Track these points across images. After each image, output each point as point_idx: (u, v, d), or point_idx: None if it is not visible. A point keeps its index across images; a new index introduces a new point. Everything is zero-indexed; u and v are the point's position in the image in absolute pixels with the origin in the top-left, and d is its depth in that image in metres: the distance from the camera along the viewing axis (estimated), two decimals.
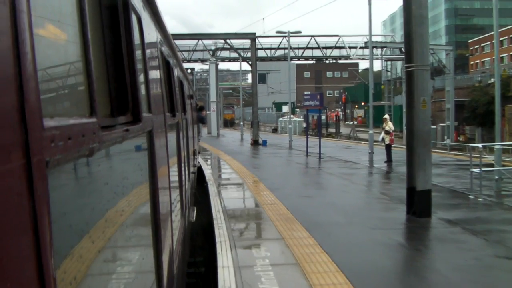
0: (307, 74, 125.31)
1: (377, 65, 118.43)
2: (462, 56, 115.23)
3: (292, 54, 50.93)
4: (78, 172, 1.70)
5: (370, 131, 26.23)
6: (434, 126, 47.53)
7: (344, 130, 63.65)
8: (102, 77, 2.21)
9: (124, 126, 2.37)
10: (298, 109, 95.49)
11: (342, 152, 31.68)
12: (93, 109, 1.79)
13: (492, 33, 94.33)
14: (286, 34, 36.45)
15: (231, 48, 48.79)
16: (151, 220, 3.21)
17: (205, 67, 58.05)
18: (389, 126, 25.13)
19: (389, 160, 24.75)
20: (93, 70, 1.81)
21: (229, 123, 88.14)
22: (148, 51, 3.46)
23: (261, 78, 75.53)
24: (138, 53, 2.85)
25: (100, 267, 1.94)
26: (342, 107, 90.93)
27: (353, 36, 53.04)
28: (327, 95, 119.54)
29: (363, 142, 42.18)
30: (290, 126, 36.73)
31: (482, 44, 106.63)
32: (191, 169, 11.80)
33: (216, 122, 50.14)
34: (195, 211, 11.01)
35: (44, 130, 1.26)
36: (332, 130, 63.24)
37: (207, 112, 52.35)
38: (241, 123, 48.49)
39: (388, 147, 24.95)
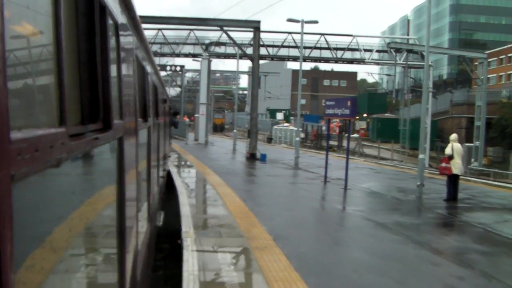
0: (303, 81, 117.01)
1: (377, 71, 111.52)
2: (464, 71, 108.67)
3: (297, 53, 43.53)
4: (44, 184, 1.66)
5: (422, 155, 18.22)
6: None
7: (346, 143, 55.61)
8: (74, 85, 2.16)
9: (94, 134, 2.34)
10: (292, 117, 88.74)
11: (369, 178, 23.56)
12: (63, 119, 1.75)
13: (498, 49, 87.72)
14: (299, 22, 28.30)
15: (228, 43, 41.11)
16: (116, 227, 3.15)
17: (196, 65, 50.09)
18: (449, 148, 17.14)
19: (449, 198, 16.83)
20: (65, 78, 1.77)
21: (218, 128, 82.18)
22: (123, 57, 3.41)
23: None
24: (113, 59, 2.85)
25: (62, 276, 1.90)
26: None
27: (369, 37, 45.22)
28: (323, 104, 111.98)
29: (386, 164, 34.10)
30: (297, 139, 28.65)
31: (489, 60, 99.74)
32: (161, 173, 11.63)
33: (205, 128, 42.57)
34: (162, 215, 10.56)
35: (11, 143, 1.24)
36: (334, 142, 55.21)
37: (196, 115, 46.62)
38: (234, 131, 40.39)
39: (449, 179, 16.99)
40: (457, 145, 17.04)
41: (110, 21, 2.81)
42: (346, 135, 61.06)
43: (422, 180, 17.71)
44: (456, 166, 16.94)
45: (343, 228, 12.58)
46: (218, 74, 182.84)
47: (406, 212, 15.21)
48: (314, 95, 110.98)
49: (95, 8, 2.41)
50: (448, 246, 11.29)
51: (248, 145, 30.21)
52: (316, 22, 28.92)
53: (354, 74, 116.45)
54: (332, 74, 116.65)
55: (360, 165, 29.44)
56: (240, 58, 40.02)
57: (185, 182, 18.34)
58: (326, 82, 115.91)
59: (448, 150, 17.04)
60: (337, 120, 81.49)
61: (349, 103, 18.97)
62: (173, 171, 20.85)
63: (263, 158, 28.67)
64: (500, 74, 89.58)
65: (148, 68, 6.75)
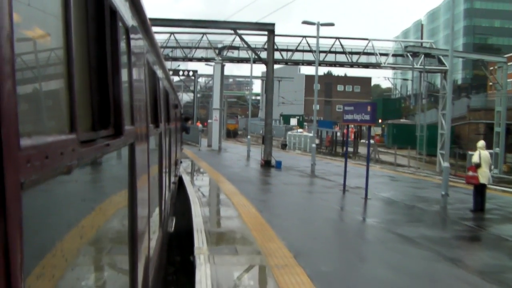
0: (315, 87, 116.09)
1: (391, 76, 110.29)
2: (479, 76, 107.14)
3: (311, 58, 42.63)
4: (54, 191, 1.64)
5: (445, 164, 17.28)
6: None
7: (362, 149, 54.53)
8: (84, 90, 2.14)
9: (105, 140, 2.33)
10: (306, 123, 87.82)
11: (388, 186, 22.62)
12: (73, 125, 1.75)
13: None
14: (315, 24, 27.46)
15: (241, 47, 40.28)
16: (128, 234, 3.13)
17: (209, 70, 49.48)
18: (476, 156, 16.19)
19: (476, 209, 15.89)
20: (76, 84, 1.77)
21: (232, 134, 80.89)
22: (134, 62, 3.39)
23: None
24: (123, 64, 2.85)
25: (73, 284, 1.88)
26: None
27: (384, 41, 44.17)
28: (337, 110, 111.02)
29: (403, 171, 33.10)
30: (313, 145, 27.82)
31: (491, 68, 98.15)
32: (172, 179, 11.43)
33: (218, 134, 41.62)
34: (173, 221, 10.22)
35: (21, 151, 1.24)
36: (349, 149, 54.16)
37: (209, 120, 45.70)
38: (248, 137, 39.47)
39: (476, 188, 16.04)
40: (485, 153, 16.10)
41: (121, 26, 2.80)
42: (362, 141, 60.44)
43: (447, 190, 16.77)
44: (484, 175, 16.00)
45: (367, 242, 11.68)
46: (231, 80, 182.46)
47: (432, 224, 14.29)
48: (328, 101, 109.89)
49: (106, 12, 2.39)
50: (483, 263, 10.37)
51: (263, 151, 29.27)
52: (332, 24, 28.12)
53: (368, 79, 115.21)
54: (345, 80, 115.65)
55: (377, 172, 28.44)
56: (254, 62, 39.25)
57: (198, 191, 17.55)
58: (339, 88, 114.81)
59: (475, 158, 16.10)
60: (352, 125, 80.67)
61: (369, 109, 18.09)
62: (186, 179, 20.19)
63: (278, 165, 27.81)
64: None
65: (159, 73, 6.68)
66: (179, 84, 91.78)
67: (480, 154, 15.97)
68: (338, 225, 13.74)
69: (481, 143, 16.56)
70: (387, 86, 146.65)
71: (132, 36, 3.30)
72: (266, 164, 28.44)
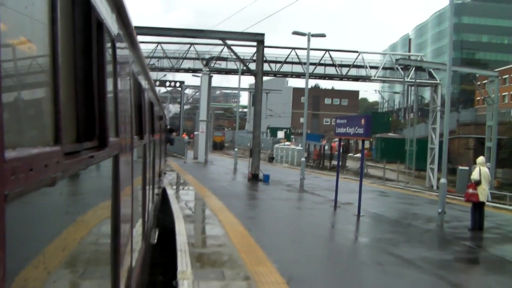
0: (303, 99, 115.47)
1: (386, 92, 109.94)
2: (466, 91, 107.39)
3: (300, 70, 42.06)
4: (38, 203, 1.65)
5: (443, 180, 16.53)
6: (467, 168, 38.31)
7: (350, 163, 53.97)
8: (70, 102, 2.16)
9: (89, 152, 2.34)
10: (293, 136, 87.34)
11: (380, 202, 21.84)
12: (58, 137, 1.76)
13: (501, 68, 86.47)
14: (306, 35, 26.75)
15: (229, 58, 39.78)
16: (111, 245, 3.15)
17: (196, 81, 48.81)
18: (476, 173, 15.46)
19: (475, 227, 15.15)
20: (61, 95, 1.77)
21: (218, 146, 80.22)
22: (119, 73, 3.41)
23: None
24: (109, 75, 2.87)
25: None
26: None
27: (374, 54, 43.80)
28: (324, 123, 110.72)
29: (394, 186, 32.37)
30: (303, 159, 26.98)
31: (484, 81, 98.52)
32: (156, 190, 11.27)
33: (204, 146, 40.84)
34: (156, 233, 10.27)
35: (5, 163, 1.25)
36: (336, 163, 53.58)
37: (195, 132, 45.22)
38: (235, 149, 38.52)
39: (474, 206, 15.30)
40: (485, 170, 15.39)
41: (107, 37, 2.84)
42: (349, 154, 59.78)
43: (444, 207, 16.00)
44: (483, 193, 15.30)
45: (364, 265, 10.81)
46: (218, 92, 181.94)
47: (431, 244, 13.50)
48: (315, 114, 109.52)
49: (92, 24, 2.39)
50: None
51: (250, 165, 28.46)
52: (323, 35, 27.43)
53: (356, 93, 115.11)
54: (333, 93, 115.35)
55: (367, 187, 27.55)
56: (242, 73, 38.60)
57: (182, 206, 16.62)
58: (327, 101, 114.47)
59: (475, 175, 15.36)
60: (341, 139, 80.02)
61: (362, 122, 17.33)
62: (170, 193, 19.32)
63: (266, 179, 26.99)
64: (504, 94, 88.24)
65: (144, 84, 6.72)
66: (166, 95, 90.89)
67: (480, 170, 15.24)
68: (332, 245, 12.87)
69: (481, 159, 15.87)
70: (374, 99, 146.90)
71: (118, 47, 3.32)
72: (254, 178, 27.63)
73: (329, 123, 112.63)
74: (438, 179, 41.21)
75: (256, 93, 29.49)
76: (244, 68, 35.72)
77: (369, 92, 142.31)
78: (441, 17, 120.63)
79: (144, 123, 6.43)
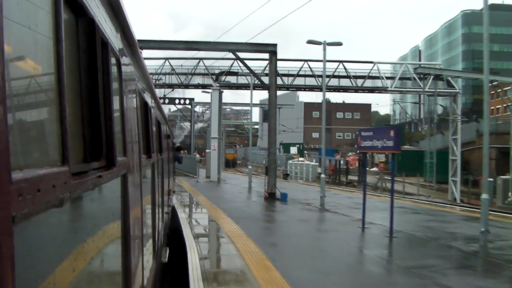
0: (315, 114, 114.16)
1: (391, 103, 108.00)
2: (479, 101, 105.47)
3: (314, 82, 40.68)
4: (46, 224, 1.65)
5: (484, 195, 14.73)
6: (491, 179, 36.45)
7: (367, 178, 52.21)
8: (76, 122, 2.21)
9: (97, 172, 2.36)
10: (306, 152, 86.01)
11: (410, 220, 20.01)
12: (65, 157, 1.77)
13: None
14: (321, 44, 25.14)
15: (240, 72, 38.32)
16: (122, 265, 3.19)
17: (206, 98, 47.56)
18: None
19: None
20: (67, 115, 1.80)
21: (231, 164, 79.99)
22: (125, 93, 3.47)
23: (267, 116, 65.33)
24: (115, 95, 2.92)
25: None
26: (358, 151, 79.78)
27: (390, 64, 42.25)
28: (337, 138, 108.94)
29: (419, 201, 30.50)
30: (323, 176, 25.22)
31: (505, 88, 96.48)
32: (165, 209, 11.52)
33: (217, 164, 39.45)
34: (167, 252, 10.19)
35: (12, 184, 1.25)
36: (353, 177, 51.99)
37: (207, 150, 45.33)
38: (249, 167, 37.13)
39: None
40: None
41: (112, 57, 2.87)
42: (367, 169, 57.90)
43: (487, 225, 14.19)
44: None
45: None
46: (228, 109, 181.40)
47: (483, 270, 11.68)
48: (327, 128, 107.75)
49: (97, 44, 2.39)
50: None
51: (266, 183, 26.88)
52: (339, 44, 25.85)
53: (368, 106, 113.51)
54: (344, 107, 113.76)
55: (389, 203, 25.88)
56: (255, 88, 37.19)
57: (195, 232, 14.97)
58: (339, 115, 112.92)
59: None
60: (354, 153, 78.40)
61: (392, 134, 15.60)
62: (182, 217, 17.89)
63: (284, 198, 25.34)
64: None
65: (151, 103, 6.77)
66: (176, 114, 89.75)
67: None
68: (369, 276, 11.06)
69: None
70: (385, 112, 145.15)
71: (123, 67, 3.38)
72: (271, 197, 26.07)
73: (341, 137, 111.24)
74: (461, 191, 39.65)
75: (270, 107, 27.95)
76: (256, 81, 34.30)
77: (381, 105, 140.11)
78: (451, 28, 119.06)
79: (152, 141, 6.37)
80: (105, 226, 2.71)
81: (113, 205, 3.06)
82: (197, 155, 46.83)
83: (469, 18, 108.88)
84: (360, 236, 15.82)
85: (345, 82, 41.30)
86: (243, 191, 31.46)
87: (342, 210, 21.72)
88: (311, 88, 41.28)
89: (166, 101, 52.95)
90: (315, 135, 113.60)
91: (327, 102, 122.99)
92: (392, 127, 17.87)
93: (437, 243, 14.65)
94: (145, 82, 5.87)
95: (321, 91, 41.34)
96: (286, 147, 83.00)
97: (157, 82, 39.14)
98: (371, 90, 40.09)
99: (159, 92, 42.58)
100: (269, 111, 28.29)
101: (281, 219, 19.99)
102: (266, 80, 30.34)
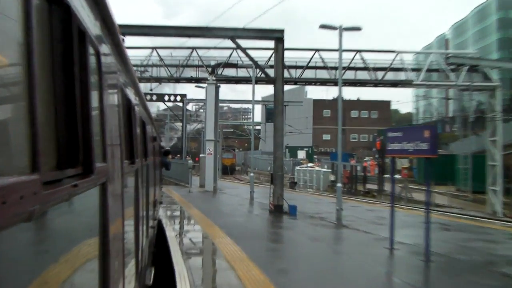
0: (326, 113, 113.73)
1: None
2: None
3: (325, 75, 39.82)
4: (14, 241, 1.66)
5: None
6: None
7: (387, 186, 51.15)
8: (49, 123, 2.20)
9: (72, 181, 2.38)
10: (315, 156, 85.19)
11: (448, 239, 18.99)
12: (35, 164, 1.78)
13: None
14: (336, 29, 24.17)
15: (239, 64, 37.55)
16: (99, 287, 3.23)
17: (200, 94, 46.75)
18: None
19: None
20: (38, 116, 1.81)
21: (228, 170, 79.81)
22: (106, 90, 3.51)
23: (270, 115, 65.22)
24: (94, 92, 2.96)
25: None
26: (377, 156, 79.04)
27: (414, 53, 41.44)
28: (351, 140, 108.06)
29: (447, 212, 29.45)
30: (339, 185, 24.17)
31: None
32: (151, 223, 11.45)
33: (213, 171, 38.96)
34: (152, 273, 10.44)
35: None
36: (372, 186, 50.97)
37: (201, 155, 45.44)
38: (251, 174, 36.30)
39: None
40: None
41: (91, 48, 2.91)
42: (384, 176, 56.94)
43: None
44: None
45: None
46: (225, 108, 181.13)
47: None
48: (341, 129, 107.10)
49: (73, 34, 2.43)
50: None
51: (272, 193, 26.19)
52: (358, 29, 24.91)
53: (386, 104, 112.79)
54: (360, 104, 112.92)
55: (418, 217, 24.94)
56: (257, 82, 36.30)
57: (187, 255, 14.02)
58: (354, 113, 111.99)
59: None
60: (371, 157, 77.43)
61: (427, 134, 14.59)
62: (171, 236, 17.24)
63: (293, 211, 24.53)
64: None
65: (135, 100, 6.84)
66: (165, 113, 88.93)
67: None
68: None
69: None
70: (406, 110, 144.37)
71: (103, 59, 3.41)
72: (277, 210, 25.28)
73: (356, 139, 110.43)
74: (504, 203, 38.49)
75: (276, 104, 27.03)
76: (259, 74, 33.48)
77: (401, 102, 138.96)
78: (484, 12, 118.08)
79: (135, 145, 6.43)
80: (80, 244, 2.72)
81: (90, 219, 3.09)
82: (190, 161, 45.97)
83: (505, 0, 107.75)
84: (388, 259, 14.88)
85: (362, 75, 40.41)
86: (244, 203, 30.80)
87: (362, 226, 20.85)
88: (323, 82, 40.38)
89: (154, 97, 52.33)
90: (326, 137, 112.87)
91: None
92: (427, 126, 16.91)
93: (488, 269, 13.64)
94: (128, 76, 5.93)
95: (334, 85, 40.68)
96: (293, 151, 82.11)
97: (142, 75, 38.38)
98: (394, 84, 39.13)
99: (144, 87, 42.43)
100: (274, 109, 27.40)
101: (291, 237, 19.08)
102: (271, 73, 29.42)
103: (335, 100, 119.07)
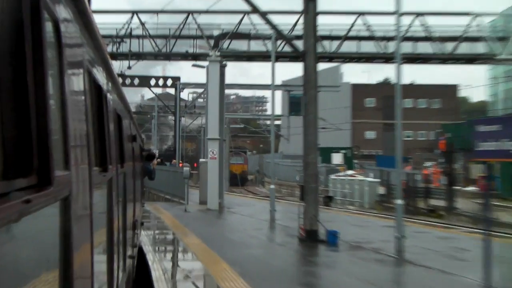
0: (369, 102, 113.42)
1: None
2: None
3: (372, 48, 39.31)
4: None
5: None
6: None
7: (460, 202, 50.41)
8: None
9: (24, 195, 2.42)
10: (356, 161, 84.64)
11: None
12: None
13: None
14: None
15: (252, 33, 36.73)
16: None
17: (199, 76, 46.47)
18: None
19: None
20: None
21: (239, 180, 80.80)
22: (67, 71, 3.55)
23: (295, 106, 65.04)
24: (51, 74, 3.01)
25: None
26: (441, 160, 78.54)
27: (495, 16, 40.52)
28: (405, 138, 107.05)
29: None
30: (399, 202, 23.05)
31: None
32: (129, 251, 11.81)
33: (217, 182, 39.06)
34: None
35: None
36: (437, 201, 50.11)
37: (201, 160, 47.20)
38: (271, 186, 36.19)
39: None
40: None
41: (46, 15, 2.91)
42: (457, 188, 56.10)
43: None
44: None
45: None
46: (233, 96, 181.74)
47: None
48: (389, 124, 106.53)
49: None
50: None
51: (302, 213, 25.62)
52: None
53: (452, 89, 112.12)
54: (415, 90, 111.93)
55: None
56: (278, 58, 35.49)
57: None
58: (407, 103, 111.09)
59: None
60: (433, 162, 76.50)
61: None
62: (157, 276, 16.95)
63: (333, 239, 23.81)
64: None
65: (107, 88, 7.01)
66: (151, 103, 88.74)
67: None
68: None
69: None
70: (479, 99, 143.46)
71: (63, 29, 3.42)
72: (310, 237, 24.65)
73: (411, 137, 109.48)
74: None
75: (307, 87, 26.21)
76: (282, 47, 32.58)
77: (472, 86, 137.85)
78: None
79: (108, 146, 6.58)
80: (34, 280, 2.70)
81: (47, 247, 3.07)
82: (186, 168, 45.36)
83: None
84: None
85: (424, 48, 39.70)
86: (262, 227, 30.95)
87: (436, 262, 20.10)
88: (369, 58, 40.18)
89: (135, 82, 52.21)
90: (370, 134, 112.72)
91: (386, 83, 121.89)
92: None
93: None
94: (98, 52, 5.98)
95: (385, 61, 40.37)
96: (326, 153, 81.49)
97: (118, 50, 38.05)
98: (470, 59, 38.74)
99: (121, 67, 42.40)
100: (304, 95, 26.68)
101: (334, 280, 18.33)
102: (297, 46, 28.57)
103: (381, 85, 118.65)
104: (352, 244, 24.06)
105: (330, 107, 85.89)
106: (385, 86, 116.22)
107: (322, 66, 53.58)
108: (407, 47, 39.09)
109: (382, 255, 21.72)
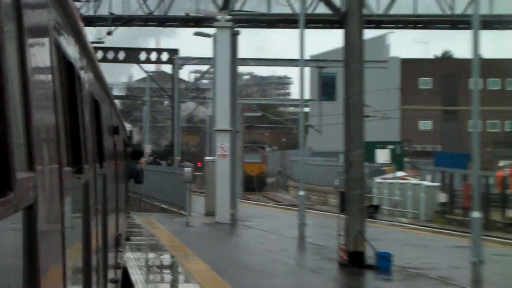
0: (424, 83, 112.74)
1: None
2: None
3: (436, 9, 38.52)
4: None
5: None
6: None
7: None
8: None
9: None
10: (407, 159, 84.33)
11: None
12: None
13: None
14: None
15: None
16: None
17: (204, 49, 46.46)
18: None
19: None
20: None
21: (255, 183, 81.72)
22: (27, 42, 3.53)
23: (328, 88, 65.37)
24: (8, 46, 3.00)
25: None
26: None
27: None
28: (470, 130, 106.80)
29: None
30: (476, 214, 22.67)
31: None
32: (111, 274, 12.27)
33: (229, 186, 39.22)
34: None
35: None
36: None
37: (207, 158, 48.37)
38: (300, 192, 35.77)
39: None
40: None
41: None
42: None
43: None
44: None
45: None
46: (247, 76, 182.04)
47: None
48: (450, 111, 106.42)
49: None
50: None
51: (344, 229, 25.40)
52: None
53: None
54: (484, 67, 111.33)
55: None
56: (309, 24, 34.95)
57: None
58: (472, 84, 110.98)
59: None
60: (510, 162, 75.84)
61: None
62: None
63: (384, 264, 23.71)
64: None
65: (80, 64, 7.09)
66: (142, 86, 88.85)
67: None
68: None
69: None
70: None
71: None
72: (354, 261, 24.58)
73: (481, 129, 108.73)
74: None
75: (350, 60, 26.14)
76: (314, 7, 31.86)
77: None
78: None
79: (83, 141, 6.67)
80: None
81: (7, 269, 2.95)
82: (188, 168, 44.72)
83: None
84: None
85: (501, 8, 39.27)
86: (289, 247, 31.17)
87: None
88: (430, 22, 38.85)
89: (120, 56, 52.21)
90: (425, 125, 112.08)
91: (447, 57, 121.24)
92: None
93: None
94: (69, 20, 6.02)
95: (450, 27, 39.39)
96: (368, 149, 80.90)
97: (96, 13, 37.97)
98: None
99: (98, 34, 42.69)
100: (346, 70, 25.77)
101: None
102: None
103: (441, 60, 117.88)
104: (409, 271, 24.08)
105: (373, 89, 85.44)
106: (445, 61, 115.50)
107: (365, 34, 53.50)
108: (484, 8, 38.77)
109: (453, 287, 21.50)
